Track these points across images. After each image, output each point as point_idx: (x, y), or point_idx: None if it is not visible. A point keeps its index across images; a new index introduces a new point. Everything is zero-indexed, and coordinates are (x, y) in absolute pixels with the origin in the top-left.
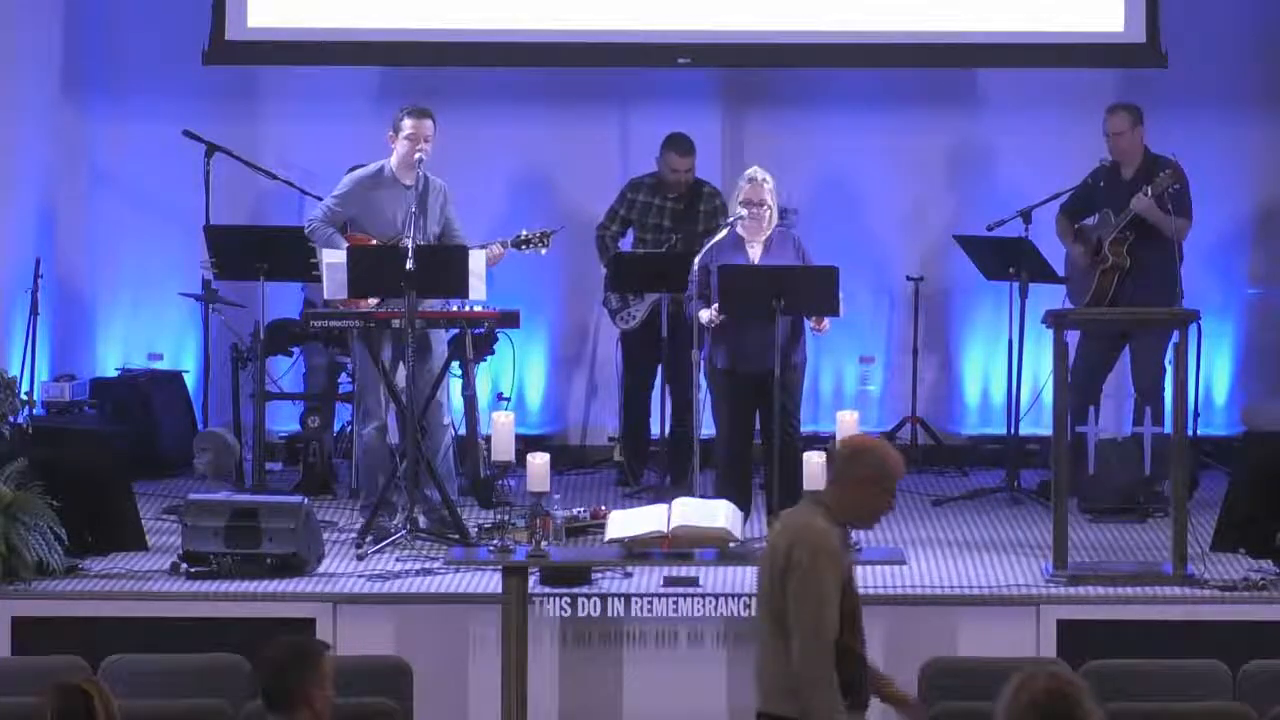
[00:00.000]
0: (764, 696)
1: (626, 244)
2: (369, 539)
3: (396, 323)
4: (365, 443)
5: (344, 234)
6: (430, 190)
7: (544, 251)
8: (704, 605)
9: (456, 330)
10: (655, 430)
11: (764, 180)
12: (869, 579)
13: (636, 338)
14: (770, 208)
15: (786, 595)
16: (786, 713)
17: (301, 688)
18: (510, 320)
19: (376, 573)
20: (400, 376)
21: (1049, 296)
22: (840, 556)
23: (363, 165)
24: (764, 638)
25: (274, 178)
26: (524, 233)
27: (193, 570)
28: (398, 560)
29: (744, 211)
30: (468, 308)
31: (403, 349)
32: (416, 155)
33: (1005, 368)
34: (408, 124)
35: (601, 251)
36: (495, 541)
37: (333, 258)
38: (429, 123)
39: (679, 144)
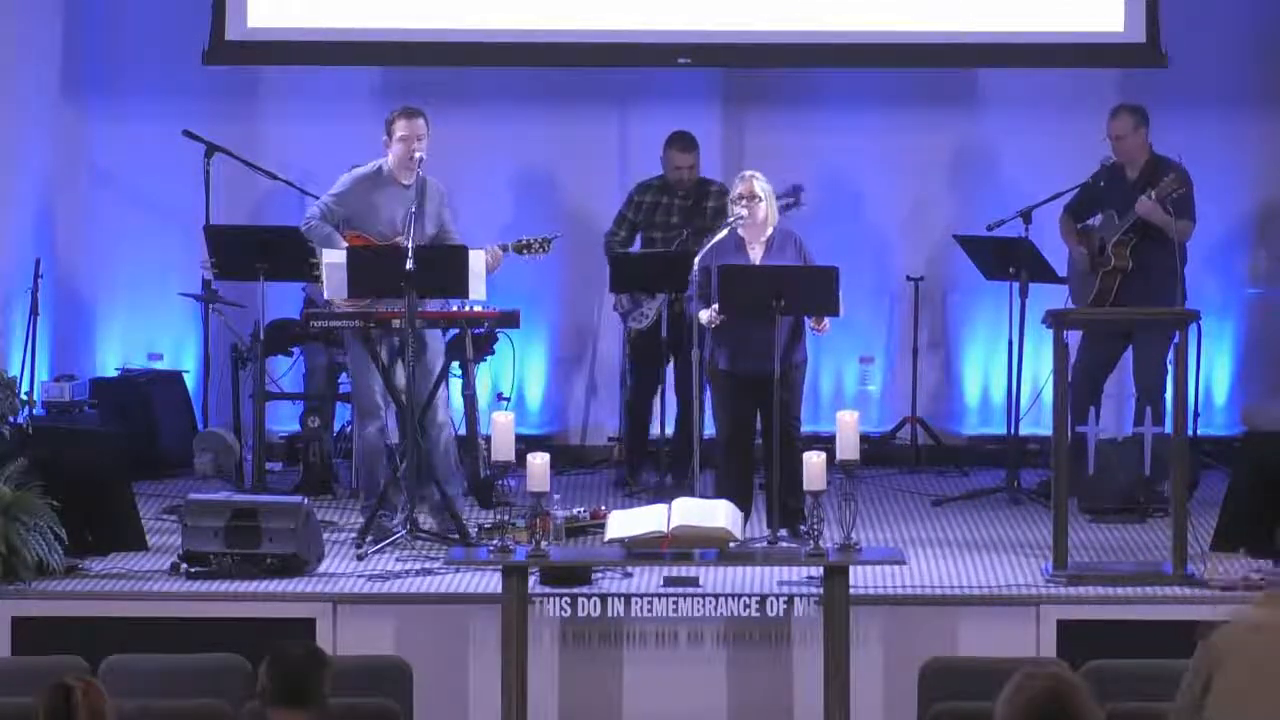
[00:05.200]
0: None
1: (637, 247)
2: (369, 539)
3: (397, 323)
4: (364, 443)
5: (340, 233)
6: (428, 192)
7: (544, 255)
8: (704, 605)
9: (456, 330)
10: (655, 431)
11: (754, 175)
12: (869, 579)
13: (645, 340)
14: (763, 200)
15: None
16: None
17: (321, 686)
18: (510, 320)
19: (376, 573)
20: (399, 376)
21: (1049, 296)
22: None
23: (362, 165)
24: None
25: (274, 178)
26: (524, 238)
27: (193, 570)
28: (398, 560)
29: (741, 211)
30: (468, 308)
31: (399, 348)
32: (415, 155)
33: (1005, 368)
34: (400, 126)
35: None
36: (495, 541)
37: (333, 258)
38: (421, 121)
39: (680, 141)
